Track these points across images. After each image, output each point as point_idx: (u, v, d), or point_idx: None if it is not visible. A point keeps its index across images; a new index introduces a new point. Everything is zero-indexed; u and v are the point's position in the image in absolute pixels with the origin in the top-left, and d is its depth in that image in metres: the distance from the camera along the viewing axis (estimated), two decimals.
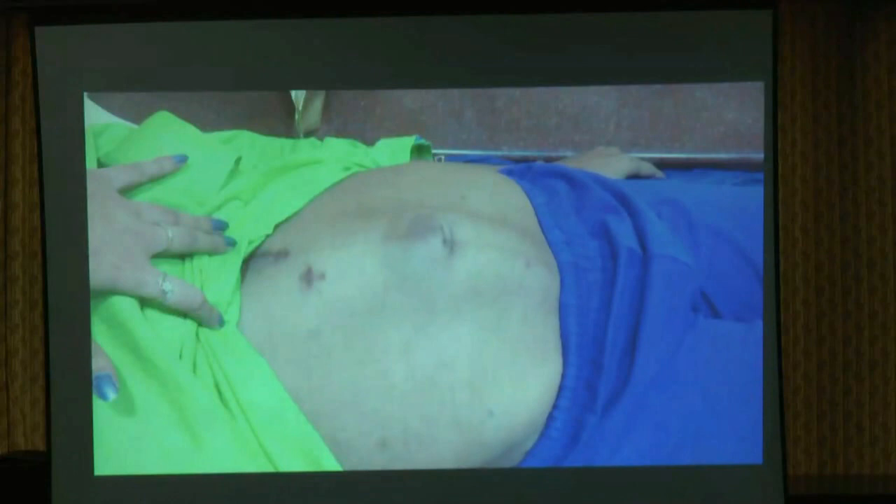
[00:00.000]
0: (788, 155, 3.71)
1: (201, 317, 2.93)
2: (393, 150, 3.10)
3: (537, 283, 2.93)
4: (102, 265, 2.95)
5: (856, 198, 3.70)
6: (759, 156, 3.11)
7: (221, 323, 2.93)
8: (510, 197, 3.02)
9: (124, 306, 2.91)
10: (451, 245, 2.92)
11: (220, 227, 2.98)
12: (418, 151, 3.11)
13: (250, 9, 3.12)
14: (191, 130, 3.07)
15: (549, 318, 2.94)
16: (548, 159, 3.11)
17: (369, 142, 3.10)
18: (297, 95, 3.11)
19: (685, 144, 3.12)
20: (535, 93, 3.12)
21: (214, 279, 2.94)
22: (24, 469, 3.36)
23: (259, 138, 3.09)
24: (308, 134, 3.11)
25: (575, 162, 3.10)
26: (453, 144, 3.13)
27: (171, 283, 2.89)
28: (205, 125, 3.08)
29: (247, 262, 2.97)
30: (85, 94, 3.08)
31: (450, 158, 3.13)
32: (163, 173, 3.02)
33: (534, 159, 3.11)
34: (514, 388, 2.95)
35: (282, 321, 2.94)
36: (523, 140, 3.12)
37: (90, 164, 3.06)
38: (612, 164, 3.10)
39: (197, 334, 2.93)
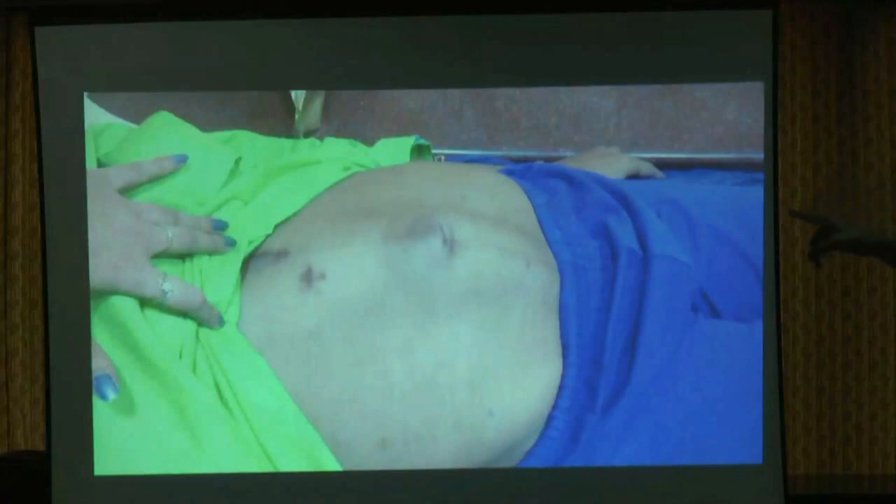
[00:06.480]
0: (788, 155, 3.71)
1: (201, 317, 2.93)
2: (393, 150, 3.10)
3: (537, 282, 2.93)
4: (102, 265, 2.95)
5: (856, 198, 3.71)
6: (759, 156, 3.11)
7: (221, 323, 2.93)
8: (510, 197, 3.02)
9: (124, 306, 2.91)
10: (451, 245, 2.92)
11: (220, 227, 2.98)
12: (418, 151, 3.11)
13: (250, 9, 3.12)
14: (191, 130, 3.07)
15: (549, 317, 2.94)
16: (548, 159, 3.11)
17: (369, 142, 3.10)
18: (297, 95, 3.11)
19: (685, 144, 3.12)
20: (535, 93, 3.12)
21: (214, 279, 2.94)
22: (24, 469, 3.36)
23: (259, 138, 3.09)
24: (308, 134, 3.11)
25: (575, 162, 3.10)
26: (453, 144, 3.13)
27: (171, 283, 2.89)
28: (205, 125, 3.08)
29: (247, 262, 2.97)
30: (85, 94, 3.08)
31: (450, 158, 3.13)
32: (163, 173, 3.02)
33: (534, 159, 3.11)
34: (515, 388, 2.95)
35: (282, 321, 2.94)
36: (523, 140, 3.12)
37: (90, 164, 3.06)
38: (612, 164, 3.10)
39: (197, 334, 2.93)
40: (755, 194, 3.10)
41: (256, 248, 2.97)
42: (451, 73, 3.12)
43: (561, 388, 2.93)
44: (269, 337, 2.94)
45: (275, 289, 2.94)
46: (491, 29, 3.10)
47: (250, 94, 3.11)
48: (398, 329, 2.95)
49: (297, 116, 3.11)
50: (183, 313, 2.92)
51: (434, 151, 3.12)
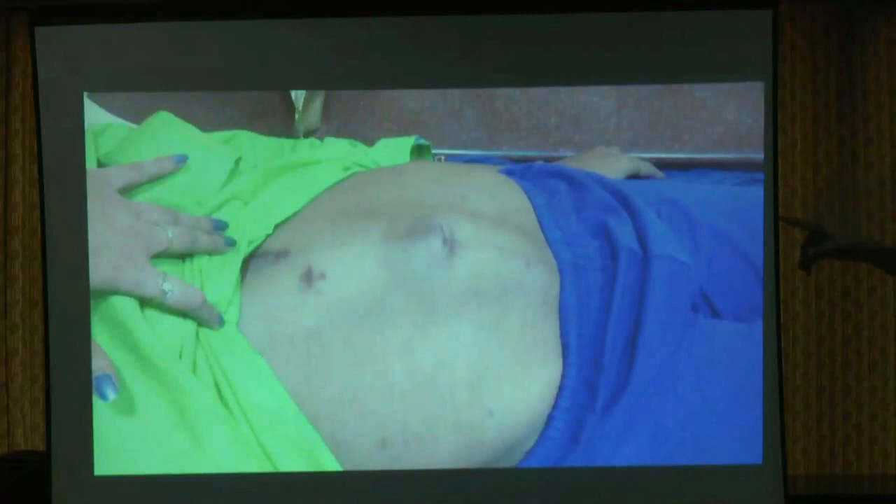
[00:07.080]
0: (788, 155, 3.72)
1: (201, 317, 2.93)
2: (393, 150, 3.10)
3: (537, 282, 2.93)
4: (102, 265, 2.95)
5: (856, 198, 3.71)
6: (759, 156, 3.11)
7: (221, 323, 2.93)
8: (510, 197, 3.02)
9: (124, 306, 2.91)
10: (451, 245, 2.92)
11: (220, 227, 2.98)
12: (418, 151, 3.11)
13: (250, 9, 3.12)
14: (191, 130, 3.07)
15: (549, 317, 2.94)
16: (548, 159, 3.11)
17: (369, 142, 3.10)
18: (297, 95, 3.11)
19: (685, 144, 3.12)
20: (535, 93, 3.12)
21: (214, 279, 2.94)
22: (24, 469, 3.36)
23: (259, 138, 3.09)
24: (308, 134, 3.11)
25: (575, 162, 3.10)
26: (453, 144, 3.13)
27: (171, 283, 2.89)
28: (205, 125, 3.08)
29: (247, 262, 2.97)
30: (85, 94, 3.08)
31: (450, 158, 3.13)
32: (163, 173, 3.02)
33: (534, 159, 3.11)
34: (515, 388, 2.95)
35: (282, 321, 2.94)
36: (523, 140, 3.12)
37: (90, 164, 3.05)
38: (612, 164, 3.10)
39: (197, 334, 2.93)
40: (755, 194, 3.10)
41: (256, 248, 2.97)
42: (451, 73, 3.12)
43: (561, 388, 2.93)
44: (269, 337, 2.94)
45: (275, 289, 2.94)
46: (491, 29, 3.10)
47: (250, 94, 3.11)
48: (398, 329, 2.95)
49: (297, 116, 3.11)
50: (183, 313, 2.92)
51: (434, 151, 3.12)
